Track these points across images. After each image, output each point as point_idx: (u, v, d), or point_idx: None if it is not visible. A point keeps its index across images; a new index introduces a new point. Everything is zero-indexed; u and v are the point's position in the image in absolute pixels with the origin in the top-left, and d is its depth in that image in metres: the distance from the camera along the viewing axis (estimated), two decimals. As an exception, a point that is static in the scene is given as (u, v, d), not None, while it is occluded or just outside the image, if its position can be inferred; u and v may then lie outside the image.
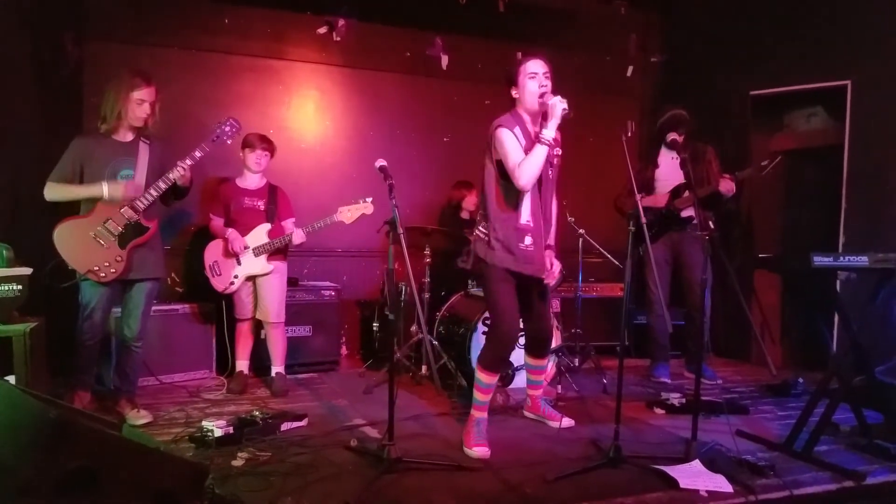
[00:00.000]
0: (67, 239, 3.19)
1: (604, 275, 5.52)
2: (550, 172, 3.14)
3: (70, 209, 3.30)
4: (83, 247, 3.20)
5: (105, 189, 3.21)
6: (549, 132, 2.95)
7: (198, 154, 3.34)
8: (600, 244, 4.65)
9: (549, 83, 3.03)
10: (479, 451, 3.01)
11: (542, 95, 3.00)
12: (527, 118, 3.11)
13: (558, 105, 2.91)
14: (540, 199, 3.10)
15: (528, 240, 3.04)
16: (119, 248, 3.26)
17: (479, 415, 3.19)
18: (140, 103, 3.30)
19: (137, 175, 3.32)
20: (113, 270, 3.25)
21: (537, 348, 3.48)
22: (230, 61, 5.05)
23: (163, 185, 3.29)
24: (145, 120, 3.34)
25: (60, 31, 4.39)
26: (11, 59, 3.68)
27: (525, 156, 2.95)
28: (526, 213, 3.04)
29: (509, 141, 3.00)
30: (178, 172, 3.29)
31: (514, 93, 3.11)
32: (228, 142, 3.52)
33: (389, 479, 2.67)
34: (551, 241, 3.25)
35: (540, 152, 2.93)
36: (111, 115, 3.29)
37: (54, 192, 3.25)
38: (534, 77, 3.02)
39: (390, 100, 5.55)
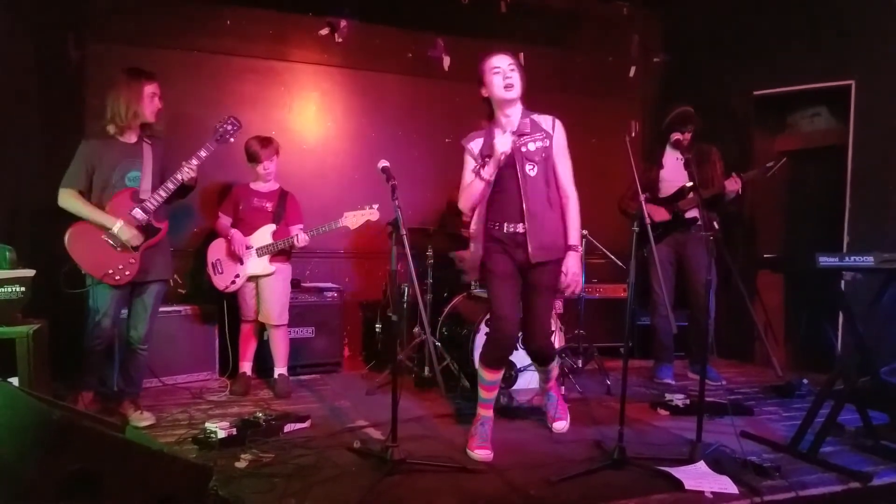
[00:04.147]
0: (80, 243, 3.18)
1: (607, 276, 5.50)
2: (530, 169, 2.99)
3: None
4: (97, 251, 3.19)
5: (116, 227, 3.20)
6: (486, 171, 2.94)
7: (203, 153, 3.36)
8: (603, 245, 4.64)
9: (514, 75, 2.97)
10: (480, 453, 2.99)
11: (506, 87, 2.96)
12: (502, 119, 3.07)
13: (498, 148, 2.86)
14: (522, 200, 2.98)
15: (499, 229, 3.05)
16: (132, 251, 3.26)
17: (483, 413, 3.18)
18: (153, 97, 3.34)
19: (144, 177, 3.31)
20: (128, 273, 3.25)
21: (534, 359, 3.40)
22: (232, 63, 5.05)
23: (172, 186, 3.30)
24: (157, 114, 3.38)
25: (62, 32, 4.39)
26: (13, 61, 3.68)
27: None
28: (498, 214, 3.05)
29: (466, 162, 3.10)
30: (188, 174, 3.32)
31: (483, 92, 3.09)
32: (231, 140, 3.52)
33: (392, 481, 2.66)
34: (572, 241, 3.11)
35: (476, 186, 2.97)
36: (125, 115, 3.27)
37: (68, 202, 3.23)
38: (497, 72, 2.99)
39: (392, 101, 5.55)
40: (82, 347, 3.32)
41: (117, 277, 3.22)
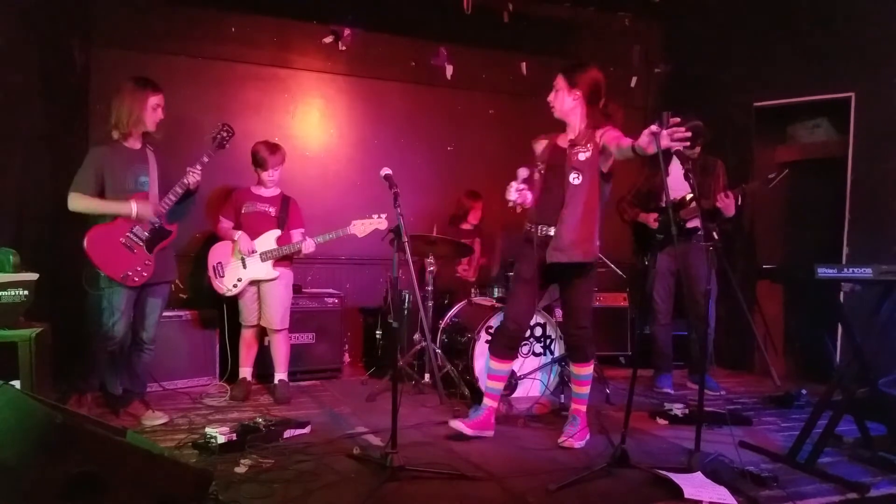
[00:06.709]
0: (100, 247, 3.29)
1: (607, 284, 5.51)
2: (575, 177, 3.26)
3: (91, 216, 3.37)
4: (116, 253, 3.32)
5: (134, 209, 3.34)
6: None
7: (206, 159, 3.52)
8: (602, 253, 4.64)
9: (552, 94, 3.41)
10: (454, 423, 3.31)
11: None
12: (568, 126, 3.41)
13: (507, 195, 3.25)
14: (561, 202, 3.28)
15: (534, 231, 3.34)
16: (147, 253, 3.39)
17: (484, 400, 3.44)
18: (156, 108, 3.45)
19: (151, 182, 3.45)
20: (145, 274, 3.38)
21: (569, 351, 3.60)
22: (236, 69, 5.08)
23: (180, 190, 3.45)
24: (158, 124, 3.48)
25: (67, 37, 4.42)
26: (18, 66, 3.70)
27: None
28: (535, 214, 3.34)
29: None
30: (194, 177, 3.47)
31: None
32: (227, 145, 3.68)
33: (392, 488, 2.67)
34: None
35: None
36: (127, 121, 3.38)
37: (80, 203, 3.33)
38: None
39: (395, 109, 5.58)
40: (90, 349, 3.36)
41: (136, 279, 3.35)
